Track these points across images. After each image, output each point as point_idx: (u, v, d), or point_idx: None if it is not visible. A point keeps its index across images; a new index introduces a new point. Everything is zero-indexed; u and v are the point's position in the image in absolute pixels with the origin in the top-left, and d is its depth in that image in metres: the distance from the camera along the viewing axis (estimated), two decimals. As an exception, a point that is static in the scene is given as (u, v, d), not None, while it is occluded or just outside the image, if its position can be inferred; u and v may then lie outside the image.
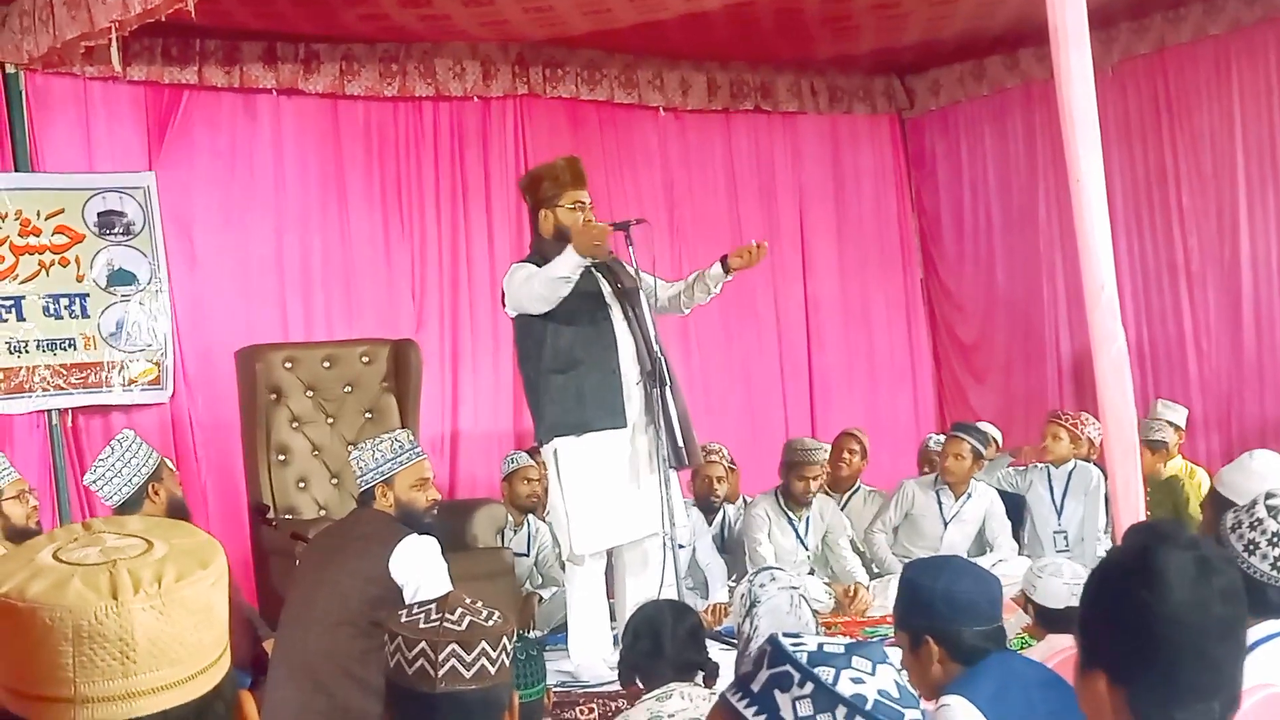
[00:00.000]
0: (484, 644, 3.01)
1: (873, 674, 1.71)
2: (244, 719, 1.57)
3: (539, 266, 6.65)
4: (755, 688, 1.73)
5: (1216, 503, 4.38)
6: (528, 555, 8.56)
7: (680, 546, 7.02)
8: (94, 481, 6.18)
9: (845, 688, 1.68)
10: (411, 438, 5.76)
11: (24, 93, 8.58)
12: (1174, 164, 10.77)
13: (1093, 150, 5.59)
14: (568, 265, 6.46)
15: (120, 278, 8.71)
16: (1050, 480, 8.98)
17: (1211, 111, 10.56)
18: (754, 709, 1.71)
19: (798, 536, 8.63)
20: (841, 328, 11.87)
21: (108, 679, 1.43)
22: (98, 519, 1.58)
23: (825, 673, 1.70)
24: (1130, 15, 10.56)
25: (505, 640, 3.07)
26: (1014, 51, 11.36)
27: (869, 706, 1.68)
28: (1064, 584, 5.17)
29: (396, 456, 5.58)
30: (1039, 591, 5.13)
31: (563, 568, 7.17)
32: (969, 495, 8.81)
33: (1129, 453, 5.64)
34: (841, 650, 1.74)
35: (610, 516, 6.66)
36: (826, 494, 9.00)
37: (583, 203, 6.75)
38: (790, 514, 8.62)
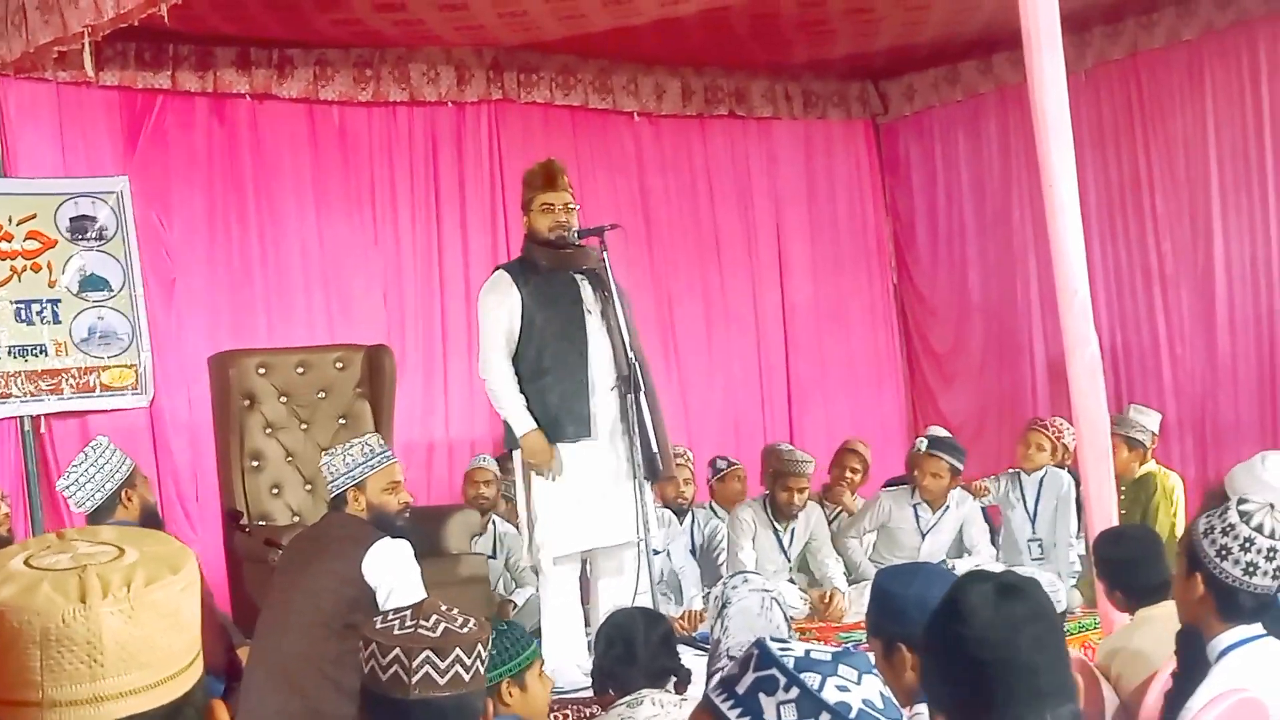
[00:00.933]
0: (458, 651, 3.01)
1: (858, 683, 1.72)
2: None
3: (516, 274, 6.70)
4: (740, 690, 1.73)
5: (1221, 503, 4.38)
6: (494, 558, 8.56)
7: (656, 552, 7.02)
8: (66, 488, 6.15)
9: (830, 695, 1.69)
10: (382, 442, 5.79)
11: (-4, 97, 8.56)
12: (1147, 168, 10.78)
13: (1066, 154, 5.62)
14: (510, 419, 6.72)
15: (92, 283, 8.68)
16: (1022, 487, 8.96)
17: (1185, 116, 10.58)
18: (738, 711, 1.71)
19: (780, 545, 8.61)
20: (817, 332, 11.88)
21: (75, 683, 1.42)
22: (71, 529, 1.57)
23: (811, 679, 1.70)
24: (1103, 20, 10.58)
25: (480, 647, 3.07)
26: (988, 56, 11.37)
27: (852, 715, 1.68)
28: None
29: (367, 460, 5.61)
30: None
31: (535, 572, 7.18)
32: (946, 508, 8.76)
33: (1102, 457, 5.67)
34: (828, 658, 1.74)
35: (578, 522, 6.65)
36: (821, 504, 8.99)
37: (550, 205, 6.74)
38: (776, 523, 8.61)
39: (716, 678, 1.81)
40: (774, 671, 1.71)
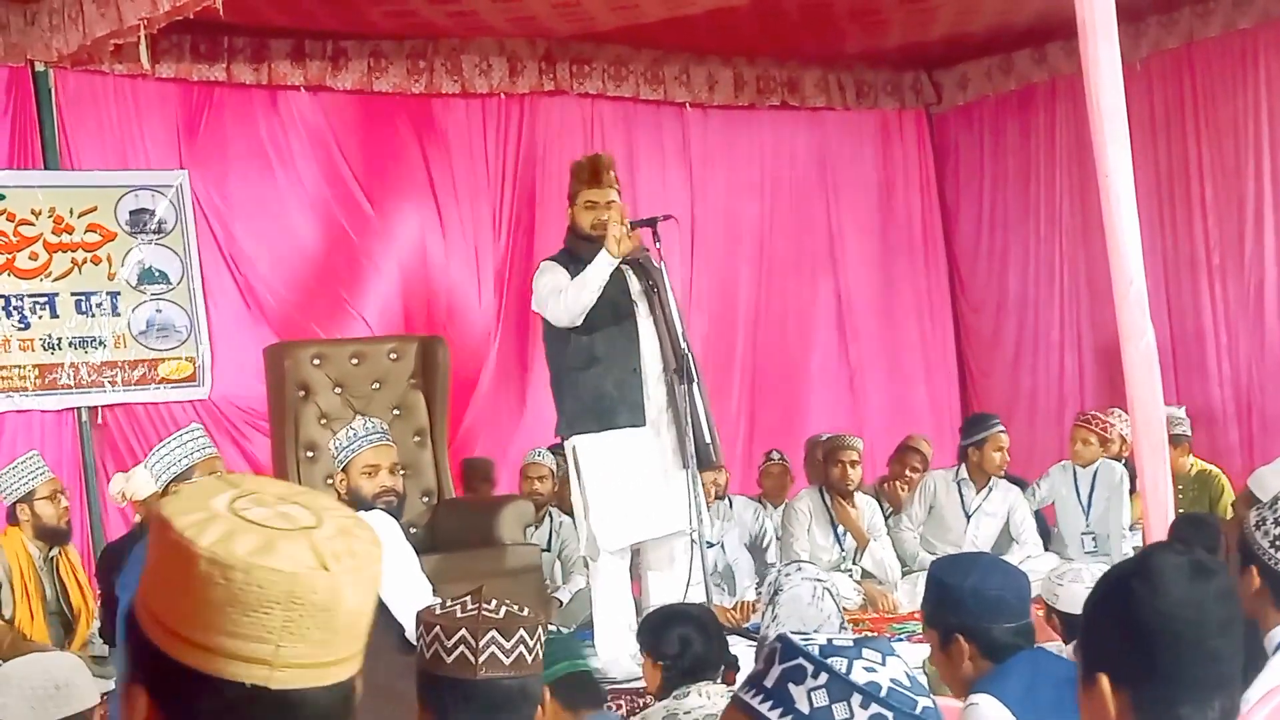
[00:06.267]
0: (522, 632, 3.03)
1: (883, 664, 1.72)
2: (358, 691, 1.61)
3: (564, 264, 6.69)
4: (769, 683, 1.73)
5: (1250, 504, 4.35)
6: (549, 550, 8.59)
7: (710, 544, 7.02)
8: (148, 461, 6.14)
9: (859, 676, 1.69)
10: (370, 424, 5.80)
11: (54, 90, 8.62)
12: (1198, 157, 10.72)
13: (1122, 145, 5.58)
14: (599, 272, 6.50)
15: (151, 276, 8.75)
16: (1076, 480, 8.94)
17: (1236, 105, 10.52)
18: (769, 704, 1.71)
19: (836, 535, 8.60)
20: (869, 322, 11.85)
21: (309, 646, 1.45)
22: (235, 474, 1.59)
23: (839, 663, 1.71)
24: (1159, 9, 10.52)
25: (540, 631, 3.09)
26: (1042, 46, 11.32)
27: (883, 694, 1.69)
28: (1086, 589, 5.09)
29: (350, 444, 5.68)
30: (1061, 599, 5.02)
31: (586, 564, 7.19)
32: (990, 489, 8.77)
33: (1158, 448, 5.62)
34: (851, 644, 1.75)
35: (631, 513, 6.66)
36: (878, 499, 8.98)
37: (594, 202, 6.74)
38: (832, 512, 8.60)
39: (743, 678, 1.82)
40: (800, 661, 1.72)
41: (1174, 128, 10.80)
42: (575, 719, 3.98)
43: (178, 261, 8.84)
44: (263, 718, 1.45)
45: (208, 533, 1.44)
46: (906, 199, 12.16)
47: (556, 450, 8.57)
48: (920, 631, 3.88)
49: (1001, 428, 8.84)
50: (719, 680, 4.36)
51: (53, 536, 7.19)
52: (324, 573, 1.44)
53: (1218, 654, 2.24)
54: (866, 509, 8.72)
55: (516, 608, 3.10)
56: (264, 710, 1.45)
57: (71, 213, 8.55)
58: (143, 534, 5.55)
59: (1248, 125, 10.45)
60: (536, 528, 8.59)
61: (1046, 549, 8.81)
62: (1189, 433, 8.90)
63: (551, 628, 7.65)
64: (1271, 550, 3.57)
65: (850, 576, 8.48)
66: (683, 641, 4.37)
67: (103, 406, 8.66)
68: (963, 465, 8.86)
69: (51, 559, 7.23)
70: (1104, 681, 2.23)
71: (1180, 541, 5.05)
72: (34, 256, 8.46)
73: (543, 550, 8.43)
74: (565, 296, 6.58)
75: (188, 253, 8.87)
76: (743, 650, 4.75)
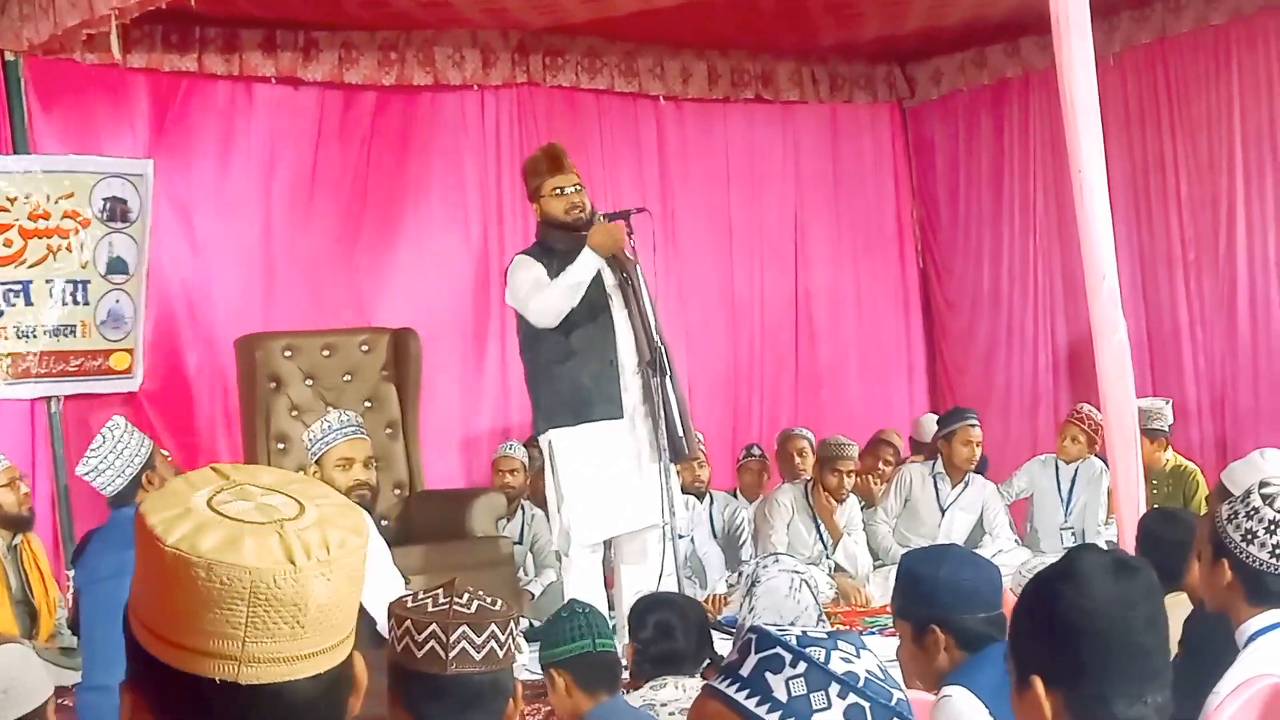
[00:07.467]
0: (493, 627, 3.03)
1: (858, 657, 1.74)
2: (358, 676, 1.60)
3: (539, 257, 6.69)
4: (745, 673, 1.74)
5: (1223, 498, 4.36)
6: (521, 543, 8.58)
7: (680, 536, 7.02)
8: (87, 473, 6.08)
9: (837, 666, 1.71)
10: (346, 417, 5.78)
11: (23, 80, 8.55)
12: (1172, 153, 10.75)
13: (1095, 140, 5.61)
14: (587, 268, 6.51)
15: (116, 265, 8.67)
16: (1058, 475, 8.96)
17: (1210, 100, 10.54)
18: (745, 693, 1.72)
19: (818, 531, 8.59)
20: (839, 316, 11.85)
21: (277, 641, 1.44)
22: (227, 465, 1.57)
23: (817, 652, 1.72)
24: (1131, 4, 10.55)
25: (512, 625, 3.09)
26: (1015, 40, 11.34)
27: (860, 684, 1.70)
28: None
29: (324, 437, 5.67)
30: None
31: (558, 557, 7.19)
32: (966, 483, 8.79)
33: (1129, 444, 5.65)
34: (825, 635, 1.77)
35: (607, 507, 6.66)
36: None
37: (561, 189, 6.75)
38: (815, 509, 8.60)
39: (718, 669, 1.82)
40: (778, 650, 1.73)
41: (1148, 123, 10.83)
42: (590, 700, 3.99)
43: (136, 250, 8.74)
44: (240, 712, 1.46)
45: (176, 529, 1.44)
46: (880, 193, 12.16)
47: (528, 443, 8.58)
48: (893, 625, 3.87)
49: (973, 421, 8.86)
50: (697, 674, 4.36)
51: (14, 524, 7.15)
52: (289, 567, 1.43)
53: (1146, 648, 2.31)
54: (848, 504, 8.73)
55: (488, 601, 3.10)
56: (240, 705, 1.45)
57: (48, 198, 8.43)
58: (108, 523, 5.51)
59: (1221, 121, 10.48)
60: (508, 520, 8.59)
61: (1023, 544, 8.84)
62: (1166, 427, 8.90)
63: (524, 621, 7.68)
64: (1243, 543, 3.58)
65: (825, 570, 8.49)
66: (657, 628, 4.39)
67: (74, 396, 8.59)
68: (939, 459, 8.88)
69: (15, 548, 7.19)
70: (1038, 684, 2.29)
71: (1150, 535, 5.09)
72: (8, 243, 8.38)
73: (514, 543, 8.44)
74: (548, 296, 6.58)
75: (143, 242, 8.76)
76: (714, 643, 4.74)
